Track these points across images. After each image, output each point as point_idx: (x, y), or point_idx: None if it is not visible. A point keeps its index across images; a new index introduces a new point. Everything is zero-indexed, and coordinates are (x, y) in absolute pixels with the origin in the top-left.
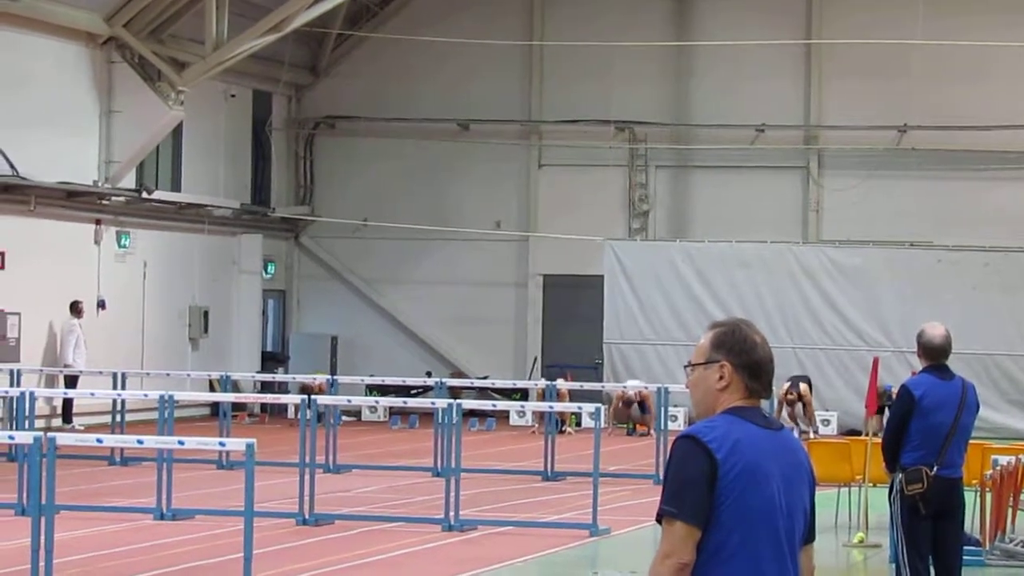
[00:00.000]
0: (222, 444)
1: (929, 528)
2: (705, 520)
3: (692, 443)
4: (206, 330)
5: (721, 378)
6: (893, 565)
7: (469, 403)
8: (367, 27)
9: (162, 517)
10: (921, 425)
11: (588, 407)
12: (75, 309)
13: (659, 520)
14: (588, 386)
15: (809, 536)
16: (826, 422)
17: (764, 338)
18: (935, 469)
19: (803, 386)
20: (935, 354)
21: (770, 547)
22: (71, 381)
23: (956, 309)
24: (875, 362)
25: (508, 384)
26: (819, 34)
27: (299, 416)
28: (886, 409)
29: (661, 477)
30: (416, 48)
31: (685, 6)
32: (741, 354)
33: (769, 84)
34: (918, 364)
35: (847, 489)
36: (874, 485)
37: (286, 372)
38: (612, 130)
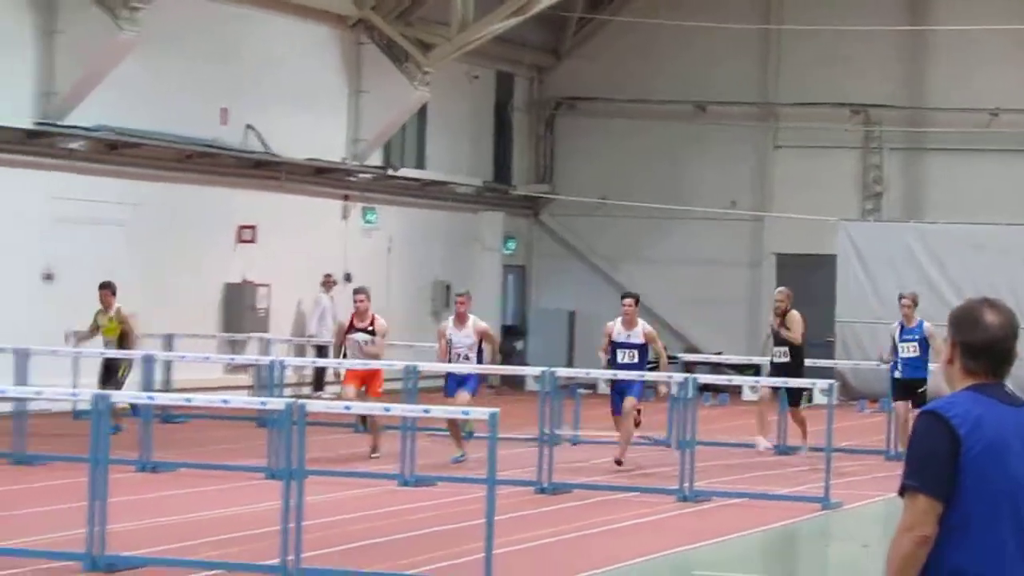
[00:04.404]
0: (465, 413)
1: None
2: (947, 494)
3: (935, 419)
4: (447, 304)
5: (951, 354)
6: None
7: (704, 377)
8: (608, 11)
9: (405, 483)
10: None
11: (821, 383)
12: (326, 283)
13: (901, 494)
14: (821, 363)
15: None
16: None
17: (1007, 319)
18: None
19: None
20: None
21: (1012, 523)
22: (321, 352)
23: None
24: None
25: (742, 360)
26: None
27: (538, 388)
28: None
29: (893, 452)
30: (655, 31)
31: None
32: (962, 331)
33: (1003, 68)
34: None
35: None
36: None
37: (525, 346)
38: (847, 113)
